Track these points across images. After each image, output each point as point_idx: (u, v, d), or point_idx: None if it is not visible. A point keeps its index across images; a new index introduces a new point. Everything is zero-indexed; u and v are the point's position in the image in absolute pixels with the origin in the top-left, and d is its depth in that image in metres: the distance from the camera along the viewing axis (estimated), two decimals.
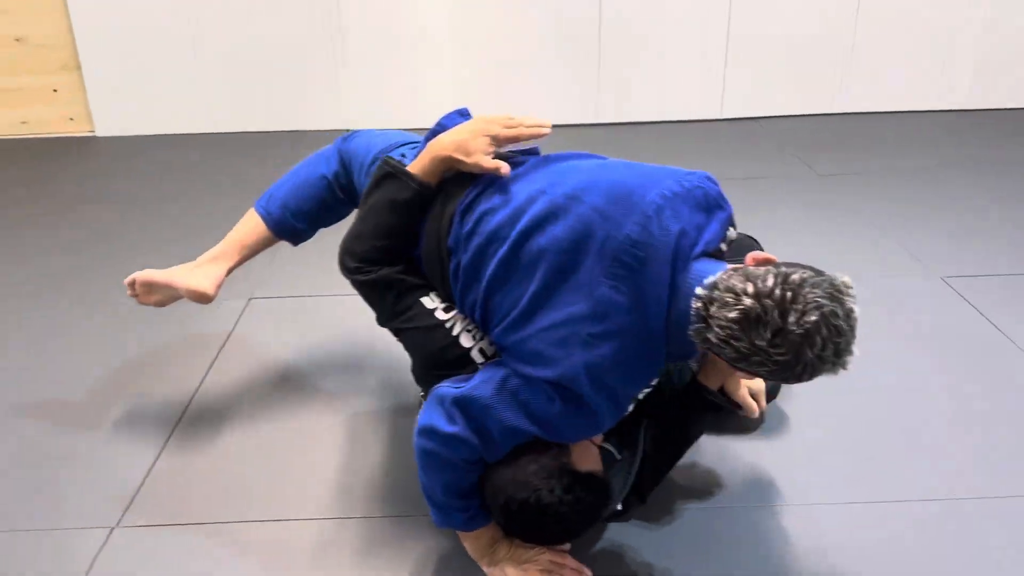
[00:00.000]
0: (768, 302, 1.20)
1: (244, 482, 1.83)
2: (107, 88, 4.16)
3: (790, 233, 3.01)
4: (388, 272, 1.54)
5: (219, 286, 1.94)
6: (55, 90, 4.21)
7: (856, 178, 3.55)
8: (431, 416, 1.44)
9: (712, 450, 1.88)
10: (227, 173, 3.71)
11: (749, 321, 1.20)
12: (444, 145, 1.54)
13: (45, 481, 1.84)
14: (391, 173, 1.57)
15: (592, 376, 1.34)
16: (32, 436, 1.99)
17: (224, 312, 2.48)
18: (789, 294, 1.20)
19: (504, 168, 1.51)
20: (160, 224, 3.18)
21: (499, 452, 1.43)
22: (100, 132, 4.24)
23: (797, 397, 2.05)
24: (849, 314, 1.23)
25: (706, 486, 1.79)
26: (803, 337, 1.19)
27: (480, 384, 1.41)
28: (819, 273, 1.26)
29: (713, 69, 4.27)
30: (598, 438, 1.56)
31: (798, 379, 1.24)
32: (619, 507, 1.60)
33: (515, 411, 1.38)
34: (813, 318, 1.19)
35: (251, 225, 1.96)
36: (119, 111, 4.20)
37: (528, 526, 1.44)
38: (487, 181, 1.53)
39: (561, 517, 1.41)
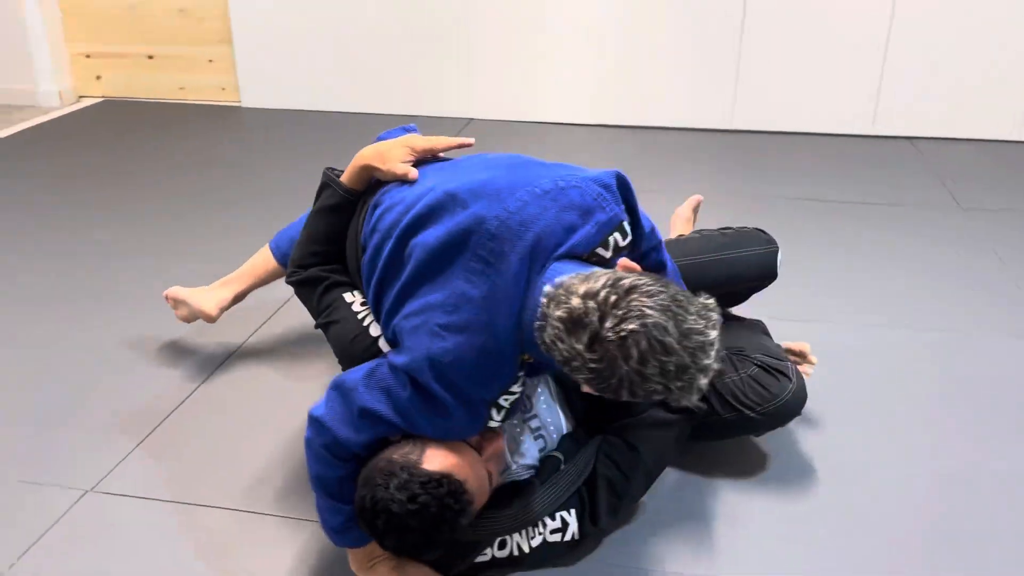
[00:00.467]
0: (591, 303, 1.11)
1: (235, 468, 1.84)
2: (254, 62, 4.38)
3: (914, 271, 2.67)
4: (315, 271, 1.61)
5: (222, 309, 2.13)
6: (210, 60, 4.49)
7: (1004, 216, 3.10)
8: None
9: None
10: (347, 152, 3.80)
11: (572, 321, 1.12)
12: (366, 155, 1.60)
13: (45, 435, 1.95)
14: (326, 183, 1.65)
15: (435, 367, 1.30)
16: (55, 381, 2.12)
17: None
18: (613, 297, 1.11)
19: (412, 173, 1.53)
20: (265, 190, 3.33)
21: (357, 438, 1.37)
22: (245, 103, 4.48)
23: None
24: (687, 334, 1.10)
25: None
26: (617, 346, 1.09)
27: (357, 369, 1.41)
28: (667, 285, 1.14)
29: (866, 82, 3.89)
30: (497, 443, 1.45)
31: (616, 393, 1.13)
32: (575, 535, 1.51)
33: (376, 396, 1.35)
34: (631, 326, 1.09)
35: (263, 258, 2.13)
36: (263, 85, 4.42)
37: (371, 528, 1.33)
38: (396, 182, 1.56)
39: (395, 518, 1.29)
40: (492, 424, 1.39)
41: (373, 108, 4.30)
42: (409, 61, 4.21)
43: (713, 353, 1.12)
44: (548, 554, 1.50)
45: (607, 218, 1.34)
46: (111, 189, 3.40)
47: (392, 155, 1.56)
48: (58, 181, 3.50)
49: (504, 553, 1.48)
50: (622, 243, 1.37)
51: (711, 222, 2.22)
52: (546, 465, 1.56)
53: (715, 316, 1.14)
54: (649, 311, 1.09)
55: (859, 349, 2.24)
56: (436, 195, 1.41)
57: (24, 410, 2.03)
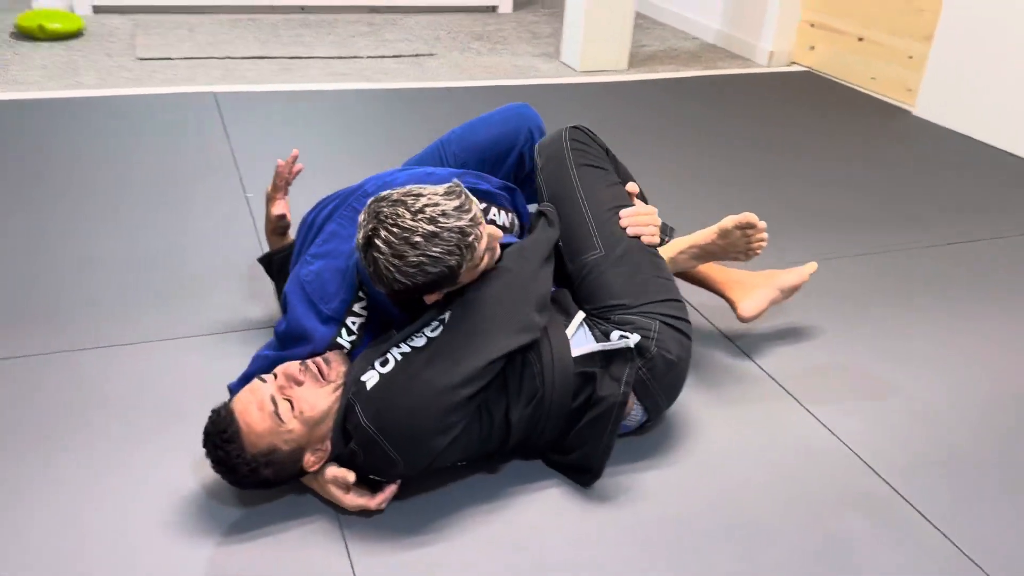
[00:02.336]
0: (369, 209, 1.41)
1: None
2: (945, 71, 3.75)
3: None
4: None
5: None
6: (910, 56, 4.01)
7: None
8: None
9: None
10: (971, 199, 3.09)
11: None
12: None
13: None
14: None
15: (295, 285, 1.60)
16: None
17: None
18: (367, 213, 1.40)
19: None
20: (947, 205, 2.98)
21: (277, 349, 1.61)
22: (919, 111, 3.91)
23: None
24: (421, 210, 1.36)
25: None
26: (369, 245, 1.38)
27: None
28: (412, 193, 1.39)
29: None
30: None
31: (401, 289, 1.38)
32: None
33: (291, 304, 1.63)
34: (371, 225, 1.38)
35: None
36: (944, 98, 3.77)
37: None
38: None
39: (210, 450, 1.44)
40: (342, 342, 1.54)
41: None
42: None
43: (453, 209, 1.37)
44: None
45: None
46: (763, 154, 3.47)
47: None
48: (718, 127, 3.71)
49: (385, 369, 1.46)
50: None
51: None
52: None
53: (450, 192, 1.39)
54: (384, 207, 1.37)
55: None
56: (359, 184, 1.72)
57: None
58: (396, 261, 1.35)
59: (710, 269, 2.01)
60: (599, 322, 1.61)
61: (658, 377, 1.60)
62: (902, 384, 1.99)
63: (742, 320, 1.97)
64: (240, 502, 1.50)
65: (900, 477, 1.67)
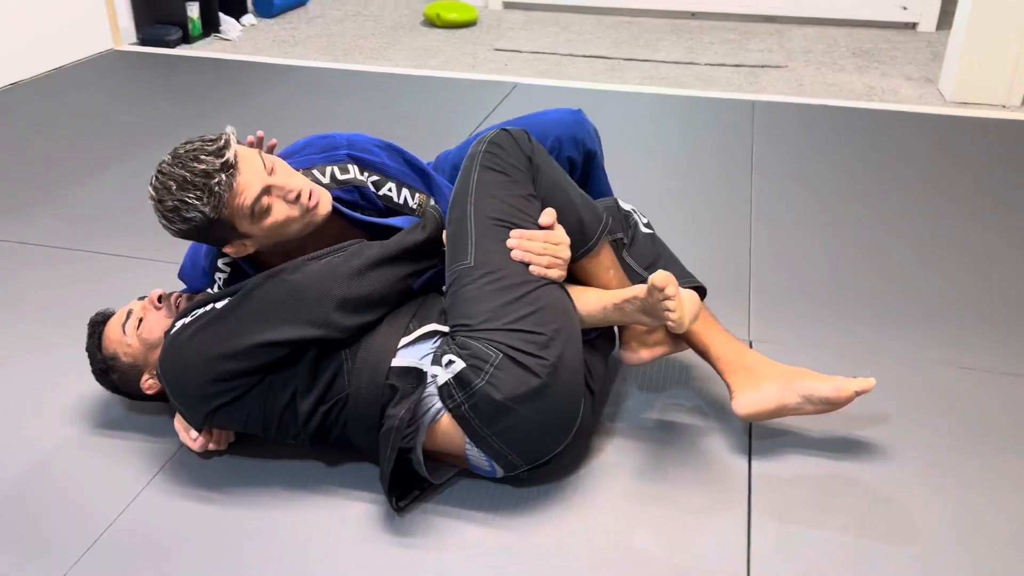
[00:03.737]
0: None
1: None
2: None
3: None
4: None
5: None
6: None
7: None
8: None
9: None
10: None
11: None
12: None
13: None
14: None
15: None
16: None
17: None
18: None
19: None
20: None
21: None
22: None
23: None
24: (180, 158, 1.41)
25: None
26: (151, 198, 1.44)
27: None
28: (188, 143, 1.44)
29: None
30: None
31: (186, 229, 1.44)
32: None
33: None
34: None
35: None
36: None
37: None
38: None
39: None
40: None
41: None
42: None
43: (205, 156, 1.39)
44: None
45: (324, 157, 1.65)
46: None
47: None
48: None
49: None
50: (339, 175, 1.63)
51: None
52: None
53: (212, 140, 1.42)
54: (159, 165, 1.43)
55: None
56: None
57: None
58: (157, 207, 1.41)
59: (715, 340, 1.62)
60: (449, 339, 1.44)
61: (484, 419, 1.38)
62: None
63: (737, 416, 1.57)
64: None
65: None
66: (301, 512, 1.47)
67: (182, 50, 4.35)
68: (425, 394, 1.41)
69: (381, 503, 1.48)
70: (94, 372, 1.63)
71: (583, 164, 1.84)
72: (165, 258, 2.27)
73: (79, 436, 1.66)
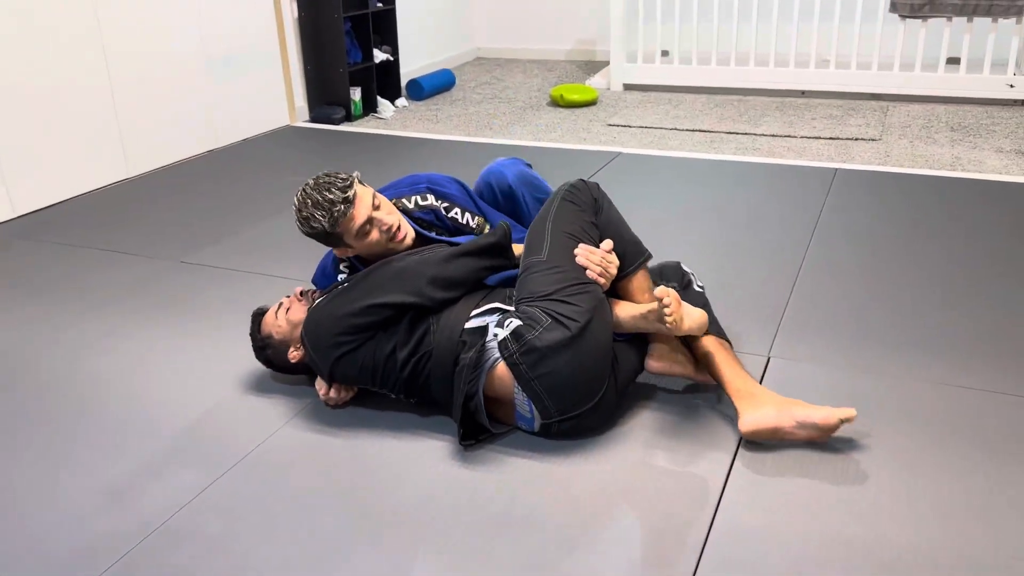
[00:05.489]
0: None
1: None
2: None
3: None
4: None
5: None
6: None
7: None
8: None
9: None
10: None
11: None
12: None
13: None
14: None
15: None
16: None
17: None
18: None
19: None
20: None
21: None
22: None
23: None
24: (318, 186, 2.04)
25: None
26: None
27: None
28: (326, 175, 2.08)
29: None
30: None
31: (310, 225, 2.05)
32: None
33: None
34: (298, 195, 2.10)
35: None
36: None
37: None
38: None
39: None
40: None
41: None
42: None
43: (335, 189, 2.02)
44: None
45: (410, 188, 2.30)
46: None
47: None
48: None
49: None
50: (421, 202, 2.26)
51: None
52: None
53: (343, 178, 2.05)
54: (305, 184, 2.09)
55: None
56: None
57: None
58: (296, 213, 2.06)
59: (729, 374, 2.00)
60: (511, 311, 1.94)
61: (530, 365, 1.84)
62: None
63: (742, 432, 1.93)
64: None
65: None
66: (395, 445, 1.99)
67: (345, 126, 5.16)
68: (488, 347, 1.91)
69: (454, 443, 1.98)
70: (254, 349, 2.22)
71: (504, 196, 2.42)
72: (305, 277, 2.90)
73: (241, 393, 2.25)
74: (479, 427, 1.97)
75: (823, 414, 1.87)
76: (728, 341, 2.11)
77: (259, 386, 2.28)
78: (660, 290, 1.84)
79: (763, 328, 2.48)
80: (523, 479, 1.86)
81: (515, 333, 1.86)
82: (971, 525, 1.68)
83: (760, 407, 1.91)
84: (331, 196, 2.00)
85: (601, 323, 1.90)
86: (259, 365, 2.33)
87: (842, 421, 1.85)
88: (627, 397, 2.12)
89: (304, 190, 2.05)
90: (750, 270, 2.88)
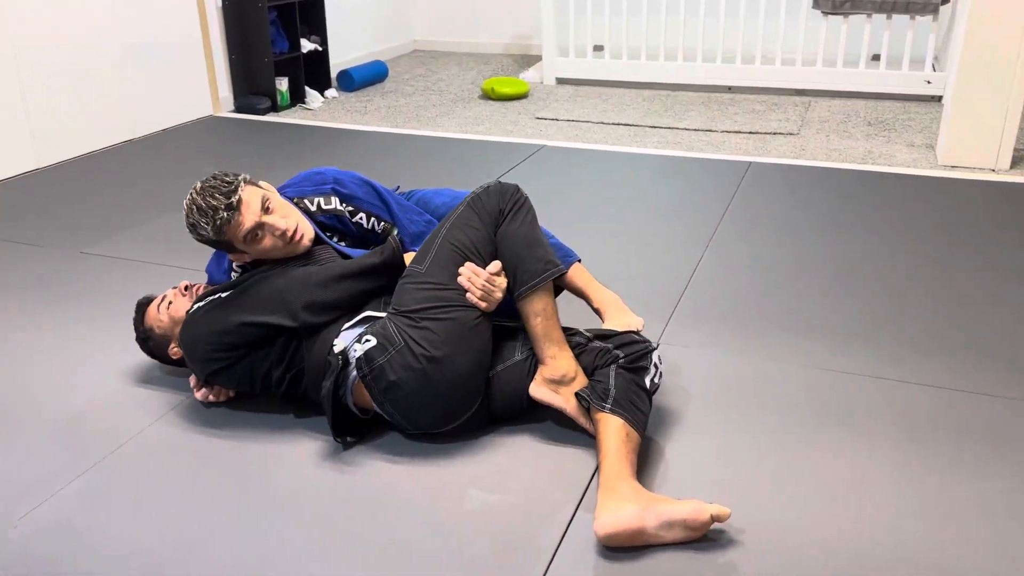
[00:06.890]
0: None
1: None
2: None
3: None
4: None
5: None
6: None
7: None
8: None
9: None
10: None
11: None
12: None
13: None
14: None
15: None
16: None
17: None
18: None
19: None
20: None
21: None
22: None
23: None
24: (204, 190, 1.94)
25: None
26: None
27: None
28: (212, 178, 1.98)
29: None
30: None
31: (199, 231, 1.96)
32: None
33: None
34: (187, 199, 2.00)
35: None
36: None
37: None
38: None
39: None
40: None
41: None
42: None
43: (219, 195, 1.92)
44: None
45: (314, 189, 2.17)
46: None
47: None
48: None
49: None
50: (324, 205, 2.15)
51: None
52: None
53: (228, 182, 1.95)
54: (192, 189, 1.99)
55: None
56: None
57: None
58: (185, 219, 1.97)
59: (608, 459, 1.72)
60: (376, 321, 1.91)
61: (382, 390, 1.82)
62: None
63: (597, 536, 1.61)
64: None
65: None
66: (271, 445, 1.97)
67: (271, 117, 5.09)
68: (351, 366, 1.87)
69: (330, 441, 1.96)
70: (137, 340, 2.18)
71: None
72: (202, 267, 2.85)
73: (126, 384, 2.21)
74: (353, 423, 1.96)
75: (691, 508, 1.60)
76: (640, 435, 1.80)
77: (145, 377, 2.24)
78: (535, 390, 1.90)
79: (657, 315, 2.50)
80: (395, 468, 1.86)
81: (367, 355, 1.82)
82: (828, 499, 1.72)
83: (620, 506, 1.61)
84: (214, 202, 1.91)
85: (465, 352, 1.83)
86: (141, 354, 2.29)
87: (714, 518, 1.60)
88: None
89: (191, 195, 1.95)
90: (654, 260, 2.90)
